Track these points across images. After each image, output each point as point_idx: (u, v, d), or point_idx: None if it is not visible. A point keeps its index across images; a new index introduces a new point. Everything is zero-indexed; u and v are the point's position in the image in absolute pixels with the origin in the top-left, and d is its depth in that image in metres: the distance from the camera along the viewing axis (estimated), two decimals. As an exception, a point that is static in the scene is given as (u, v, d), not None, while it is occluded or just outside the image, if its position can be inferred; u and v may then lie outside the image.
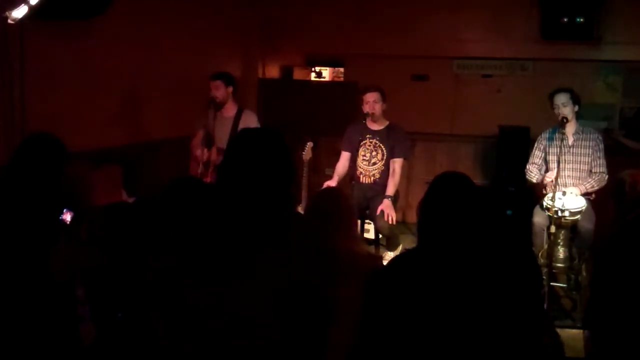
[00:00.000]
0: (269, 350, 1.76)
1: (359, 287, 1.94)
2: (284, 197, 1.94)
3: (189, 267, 1.82)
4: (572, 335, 3.15)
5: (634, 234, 2.74)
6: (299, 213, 2.16)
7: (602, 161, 4.48)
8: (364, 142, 4.71)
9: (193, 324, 1.79)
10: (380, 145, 4.71)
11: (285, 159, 1.96)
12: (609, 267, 2.69)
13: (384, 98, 4.68)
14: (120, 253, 2.62)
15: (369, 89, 4.70)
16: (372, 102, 4.63)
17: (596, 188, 4.43)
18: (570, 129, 4.52)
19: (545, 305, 4.09)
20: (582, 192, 4.40)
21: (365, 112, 4.65)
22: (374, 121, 4.69)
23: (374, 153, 4.73)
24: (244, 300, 1.75)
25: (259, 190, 1.88)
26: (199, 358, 1.79)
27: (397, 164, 4.67)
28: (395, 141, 4.69)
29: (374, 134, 4.71)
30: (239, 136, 2.00)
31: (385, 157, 4.71)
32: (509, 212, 5.60)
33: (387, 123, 4.76)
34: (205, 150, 4.62)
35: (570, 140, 4.53)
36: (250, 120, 4.75)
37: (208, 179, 4.57)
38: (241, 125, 4.72)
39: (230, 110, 4.74)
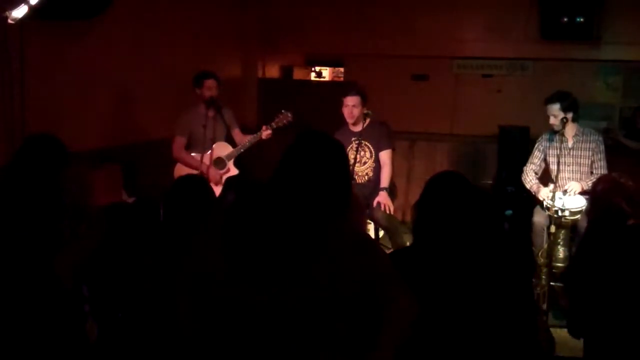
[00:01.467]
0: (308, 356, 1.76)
1: (408, 298, 1.92)
2: (339, 205, 1.93)
3: (236, 266, 1.82)
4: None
5: (596, 238, 2.75)
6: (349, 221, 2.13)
7: (603, 163, 4.47)
8: (350, 145, 4.73)
9: (225, 320, 1.80)
10: (366, 144, 4.75)
11: (345, 167, 1.98)
12: (582, 271, 2.71)
13: (364, 101, 4.70)
14: (120, 251, 2.62)
15: (349, 92, 4.70)
16: (351, 106, 4.65)
17: None
18: (570, 131, 4.52)
19: (545, 305, 4.10)
20: (584, 188, 4.39)
21: (344, 114, 4.66)
22: (354, 124, 4.70)
23: (362, 153, 4.75)
24: (289, 304, 1.75)
25: (317, 198, 1.87)
26: (225, 355, 1.80)
27: (385, 155, 4.71)
28: (378, 136, 4.74)
29: (358, 135, 4.73)
30: (302, 141, 1.96)
31: (373, 154, 4.75)
32: (509, 212, 5.60)
33: (367, 121, 4.77)
34: (203, 153, 4.61)
35: (570, 143, 4.53)
36: (232, 116, 4.92)
37: (234, 172, 4.70)
38: (228, 121, 4.82)
39: (212, 109, 4.75)
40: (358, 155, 4.74)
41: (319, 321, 1.77)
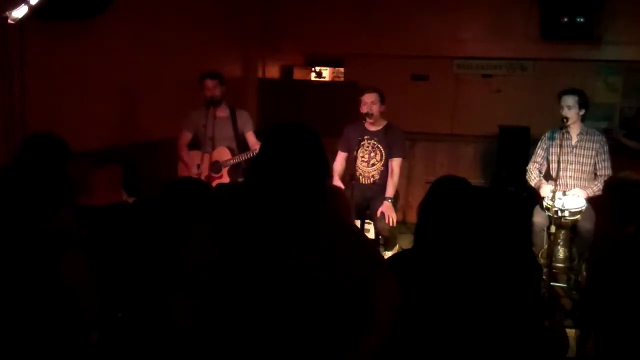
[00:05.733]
0: (297, 346, 1.77)
1: (394, 283, 1.93)
2: (319, 193, 1.94)
3: (223, 260, 1.83)
4: (572, 335, 3.15)
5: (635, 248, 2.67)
6: (333, 210, 2.15)
7: (607, 164, 4.45)
8: (362, 143, 4.70)
9: (221, 314, 1.81)
10: (379, 146, 4.71)
11: (321, 154, 1.97)
12: (607, 277, 2.65)
13: (382, 99, 4.67)
14: (121, 251, 2.63)
15: (367, 90, 4.69)
16: (369, 103, 4.62)
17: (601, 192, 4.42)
18: (575, 129, 4.51)
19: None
20: (589, 195, 4.38)
21: (363, 112, 4.64)
22: (372, 122, 4.68)
23: (372, 154, 4.73)
24: (275, 294, 1.77)
25: (297, 186, 1.88)
26: (222, 349, 1.81)
27: (395, 163, 4.66)
28: (393, 141, 4.69)
29: (372, 135, 4.71)
30: (275, 132, 1.98)
31: (383, 158, 4.70)
32: (511, 188, 5.63)
33: (384, 123, 4.76)
34: (204, 153, 4.61)
35: (574, 141, 4.52)
36: (247, 119, 4.86)
37: (226, 179, 4.61)
38: (239, 125, 4.76)
39: (224, 110, 4.75)
40: (368, 156, 4.72)
41: (307, 311, 1.78)
